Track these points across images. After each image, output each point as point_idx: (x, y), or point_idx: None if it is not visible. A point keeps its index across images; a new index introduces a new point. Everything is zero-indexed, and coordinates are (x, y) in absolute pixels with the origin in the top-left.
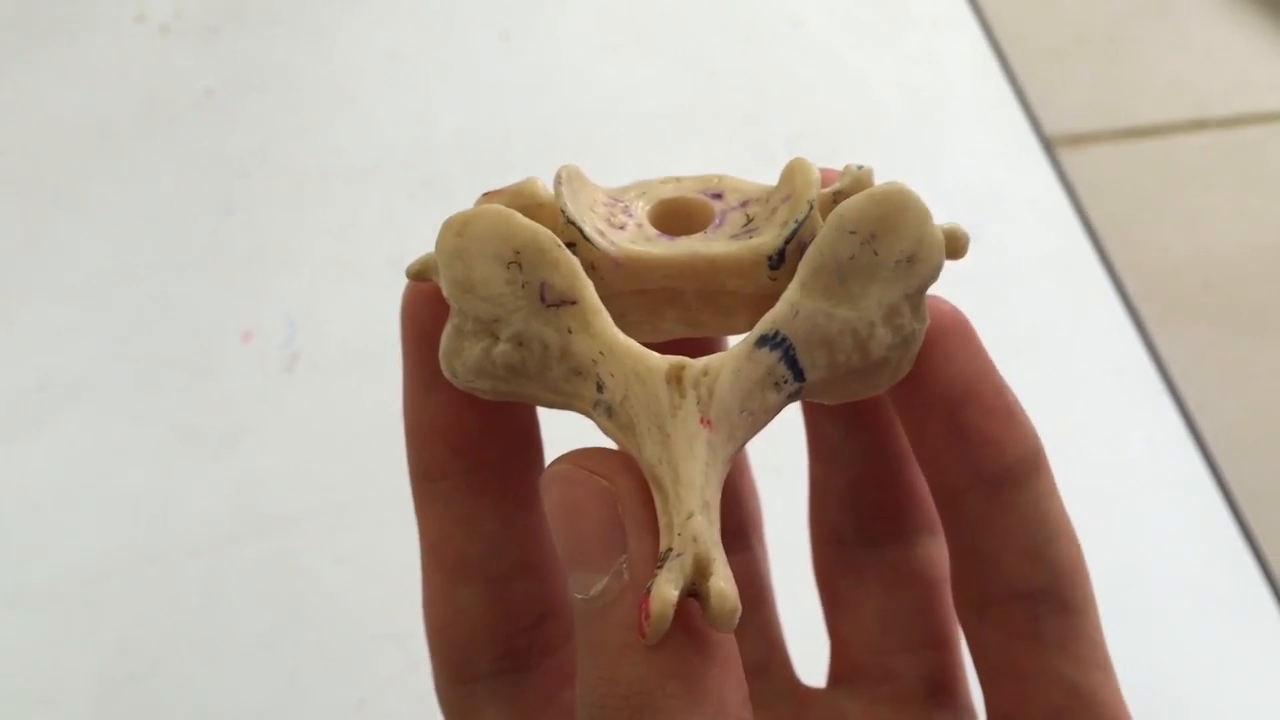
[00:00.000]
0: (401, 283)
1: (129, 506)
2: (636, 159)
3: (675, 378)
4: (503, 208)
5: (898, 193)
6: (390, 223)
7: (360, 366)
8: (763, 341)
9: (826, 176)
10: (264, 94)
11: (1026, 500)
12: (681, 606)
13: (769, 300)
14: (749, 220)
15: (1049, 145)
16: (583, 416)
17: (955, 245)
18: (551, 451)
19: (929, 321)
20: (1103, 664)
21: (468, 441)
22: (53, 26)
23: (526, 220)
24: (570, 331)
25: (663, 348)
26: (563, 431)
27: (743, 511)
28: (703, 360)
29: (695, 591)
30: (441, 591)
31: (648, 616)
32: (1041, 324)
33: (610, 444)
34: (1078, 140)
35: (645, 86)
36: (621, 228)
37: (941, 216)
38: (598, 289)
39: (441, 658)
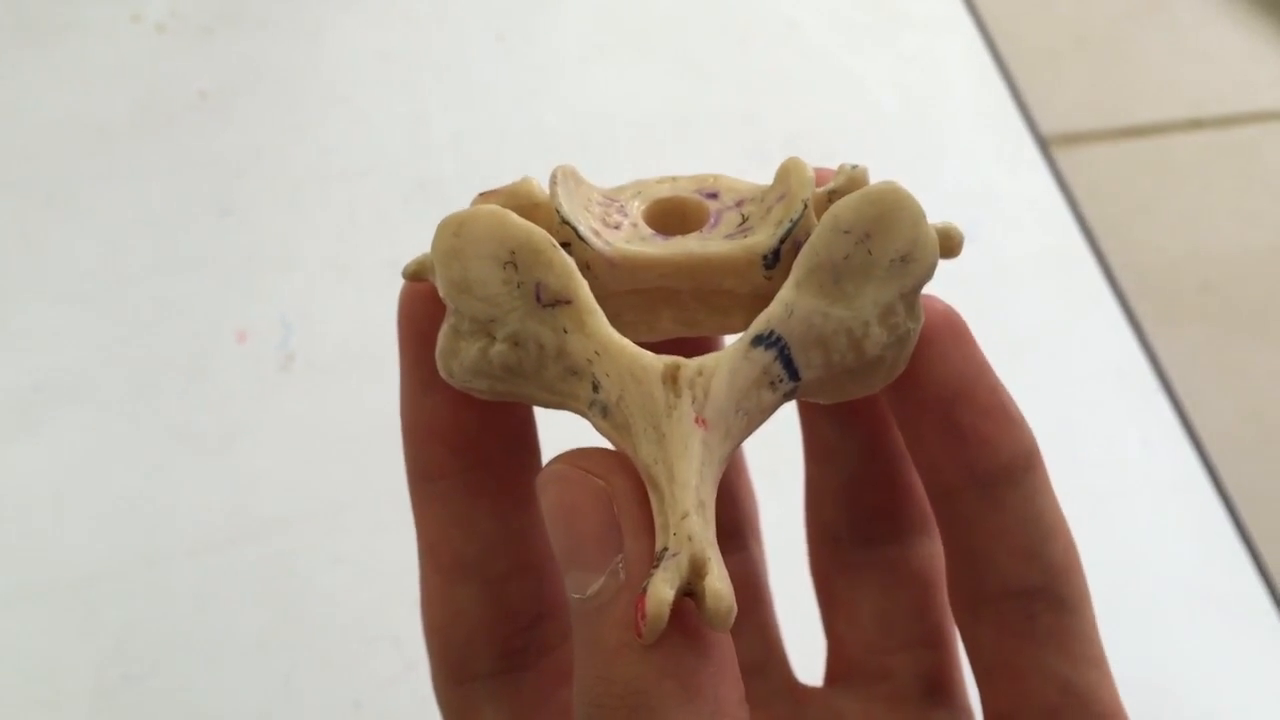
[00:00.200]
0: (397, 283)
1: (125, 507)
2: (632, 160)
3: (670, 377)
4: (498, 208)
5: (892, 192)
6: (385, 224)
7: (356, 367)
8: (758, 341)
9: (821, 176)
10: (259, 95)
11: (1021, 499)
12: (677, 606)
13: (764, 300)
14: (744, 220)
15: (1045, 145)
16: (579, 416)
17: (949, 244)
18: (548, 451)
19: (924, 320)
20: (1098, 662)
21: (465, 441)
22: (47, 26)
23: (522, 220)
24: (566, 331)
25: (659, 347)
26: (559, 431)
27: (739, 511)
28: (698, 360)
29: (691, 591)
30: (439, 591)
31: (644, 616)
32: (1037, 323)
33: (606, 444)
34: (1074, 140)
35: (641, 87)
36: (617, 227)
37: (938, 216)
38: (593, 289)
39: (439, 657)
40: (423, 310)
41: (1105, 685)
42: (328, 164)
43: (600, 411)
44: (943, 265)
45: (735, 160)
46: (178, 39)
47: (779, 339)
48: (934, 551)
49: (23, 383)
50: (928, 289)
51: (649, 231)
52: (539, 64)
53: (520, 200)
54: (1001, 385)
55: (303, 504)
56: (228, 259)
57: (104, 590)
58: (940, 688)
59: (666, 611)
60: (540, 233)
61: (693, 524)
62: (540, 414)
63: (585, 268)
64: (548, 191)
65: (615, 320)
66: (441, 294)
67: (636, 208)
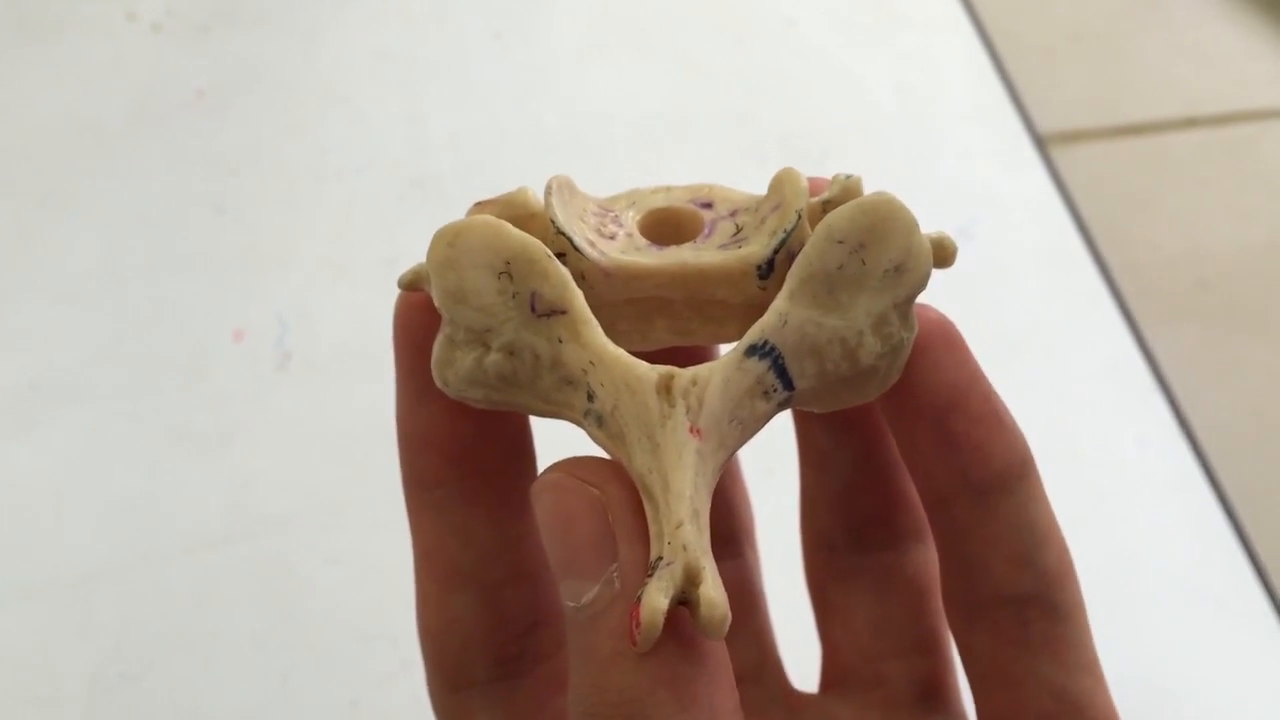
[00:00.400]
0: (394, 282)
1: (122, 506)
2: (629, 159)
3: (665, 387)
4: (493, 218)
5: (885, 203)
6: (381, 222)
7: (352, 366)
8: (752, 351)
9: (815, 185)
10: (256, 94)
11: (1014, 506)
12: (672, 615)
13: (758, 309)
14: (738, 230)
15: (1042, 143)
16: (574, 425)
17: (943, 254)
18: (544, 460)
19: (917, 330)
20: (1091, 669)
21: (460, 450)
22: (43, 25)
23: (517, 231)
24: (561, 341)
25: (653, 357)
26: (554, 440)
27: (734, 518)
28: (692, 370)
29: (685, 600)
30: (435, 599)
31: (638, 625)
32: (1034, 321)
33: (601, 453)
34: (1070, 138)
35: (638, 86)
36: (612, 238)
37: (935, 214)
38: (588, 299)
39: (435, 664)
40: (418, 320)
41: (1099, 692)
42: (325, 162)
43: (595, 421)
44: None
45: (732, 159)
46: (174, 38)
47: (773, 349)
48: (928, 558)
49: (19, 381)
50: (924, 295)
51: (644, 241)
52: (536, 63)
53: (516, 210)
54: (995, 393)
55: (300, 502)
56: (224, 258)
57: (101, 589)
58: (935, 694)
59: (661, 620)
60: (535, 243)
61: (687, 533)
62: (536, 423)
63: (580, 278)
64: (542, 201)
65: (610, 330)
66: (437, 304)
67: (631, 218)
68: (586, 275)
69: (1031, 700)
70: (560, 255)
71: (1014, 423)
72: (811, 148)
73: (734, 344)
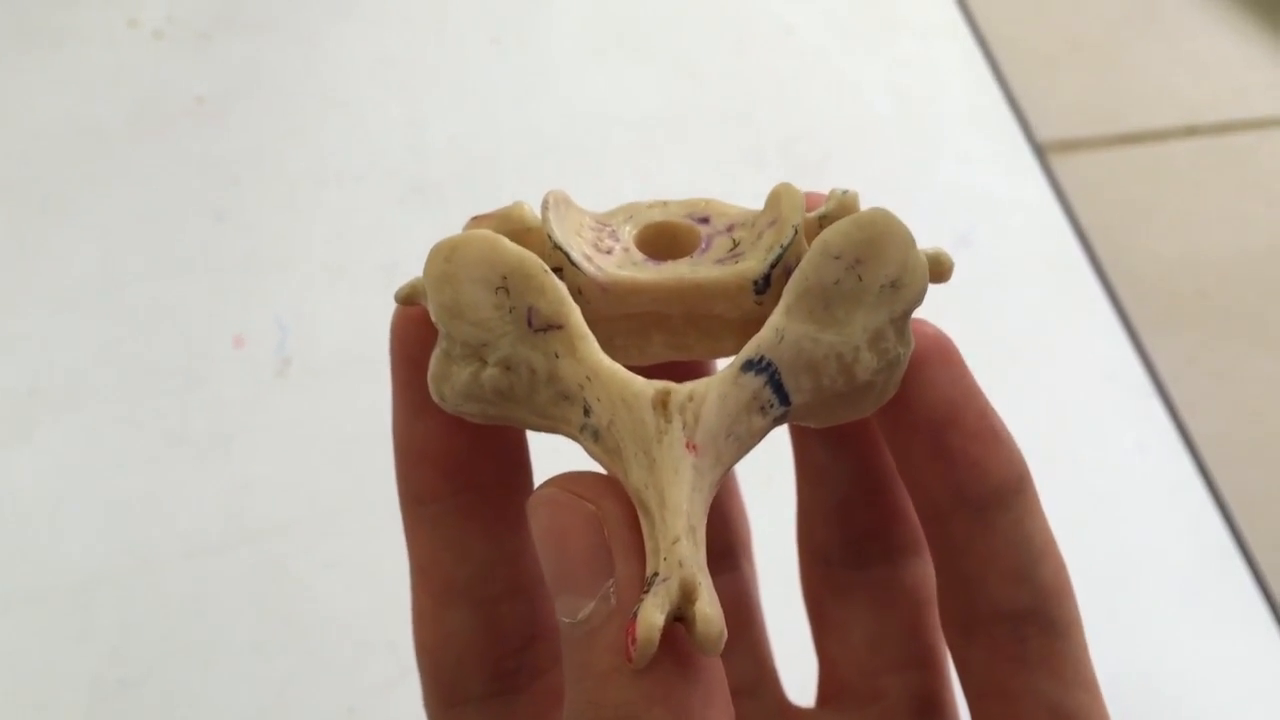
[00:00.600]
0: (393, 287)
1: (120, 512)
2: (628, 164)
3: (661, 403)
4: (490, 233)
5: (882, 218)
6: (381, 228)
7: (352, 372)
8: (748, 366)
9: (812, 200)
10: (255, 100)
11: (1011, 521)
12: (667, 631)
13: (755, 324)
14: (735, 245)
15: (1040, 151)
16: (570, 440)
17: (939, 270)
18: (540, 475)
19: (914, 345)
20: (1088, 684)
21: (456, 465)
22: (45, 31)
23: (514, 246)
24: (557, 356)
25: (650, 372)
26: (551, 455)
27: (731, 532)
28: (688, 385)
29: (681, 616)
30: (431, 614)
31: (634, 641)
32: (1033, 329)
33: (597, 468)
34: (1069, 146)
35: (636, 92)
36: (608, 252)
37: (934, 222)
38: (585, 314)
39: (431, 680)
40: (415, 334)
41: (1096, 708)
42: (324, 168)
43: (591, 436)
44: None
45: (731, 165)
46: (174, 44)
47: (769, 364)
48: (925, 573)
49: (19, 387)
50: (922, 304)
51: (640, 256)
52: (534, 68)
53: (512, 225)
54: (991, 409)
55: (299, 508)
56: (225, 264)
57: (100, 595)
58: (932, 709)
59: (657, 636)
60: (532, 258)
61: (683, 549)
62: (532, 437)
63: (577, 293)
64: (539, 216)
65: (606, 344)
66: (433, 318)
67: (628, 232)
68: (583, 290)
69: (1028, 716)
70: (557, 270)
71: (1010, 438)
72: (810, 154)
73: (730, 359)
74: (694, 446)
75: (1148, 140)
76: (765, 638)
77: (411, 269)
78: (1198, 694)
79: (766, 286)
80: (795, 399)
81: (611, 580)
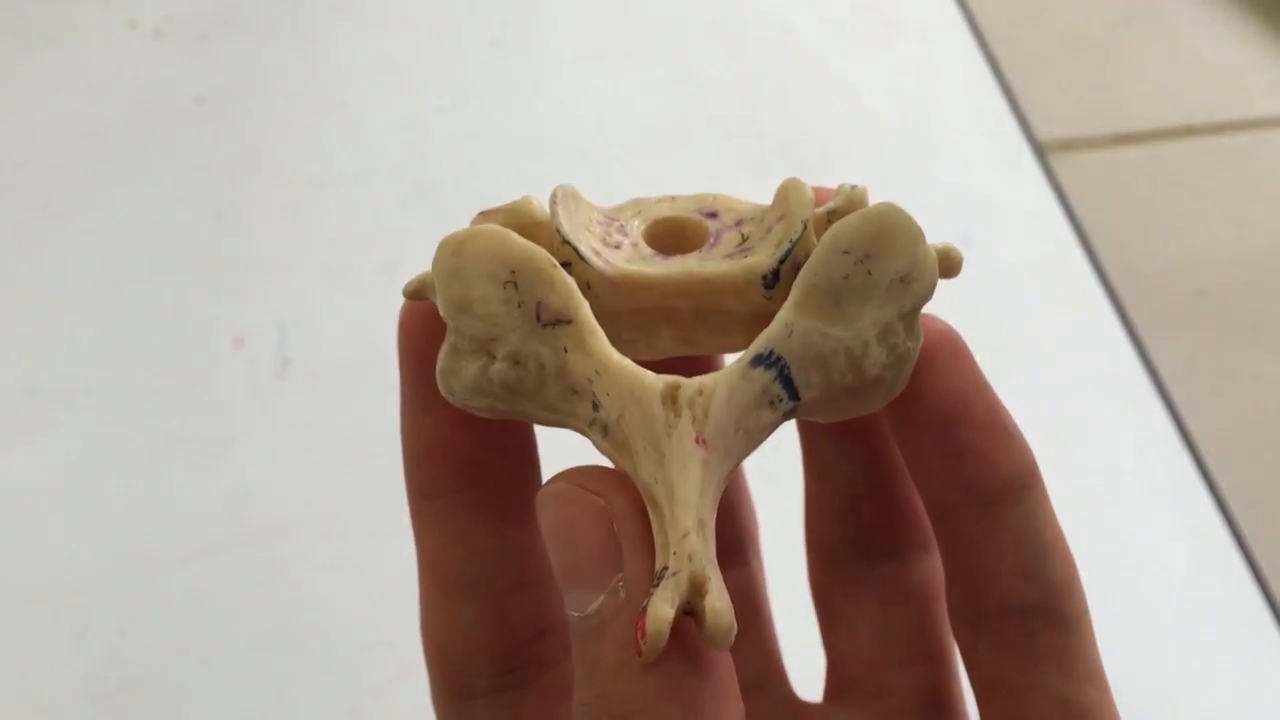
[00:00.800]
0: (393, 289)
1: (120, 513)
2: (628, 166)
3: (670, 397)
4: (499, 227)
5: (891, 213)
6: (381, 229)
7: (351, 373)
8: (757, 361)
9: (820, 195)
10: (255, 100)
11: (1020, 517)
12: (677, 625)
13: (764, 319)
14: (744, 239)
15: (1040, 151)
16: (579, 435)
17: (948, 265)
18: (548, 469)
19: (923, 340)
20: (1097, 680)
21: (465, 459)
22: (44, 32)
23: (522, 240)
24: (566, 350)
25: (658, 366)
26: (559, 450)
27: (739, 527)
28: (698, 379)
29: (691, 610)
30: (439, 608)
31: (643, 635)
32: (1033, 329)
33: (606, 462)
34: (1069, 146)
35: (636, 94)
36: (617, 247)
37: (934, 222)
38: (593, 308)
39: (438, 674)
40: (423, 328)
41: (1105, 703)
42: (324, 169)
43: (600, 430)
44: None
45: (731, 166)
46: (174, 45)
47: (778, 359)
48: (933, 568)
49: (17, 388)
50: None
51: (649, 251)
52: (534, 70)
53: (520, 219)
54: (1001, 404)
55: (299, 509)
56: (224, 264)
57: (100, 595)
58: (940, 704)
59: (667, 630)
60: (541, 252)
61: (693, 543)
62: (541, 432)
63: (586, 287)
64: (548, 210)
65: (615, 339)
66: (442, 313)
67: (636, 227)
68: (592, 284)
69: (1037, 711)
70: (566, 265)
71: (1020, 433)
72: (810, 155)
73: (739, 354)
74: (703, 441)
75: (1148, 140)
76: (773, 633)
77: (411, 270)
78: (1198, 694)
79: (775, 281)
80: (804, 394)
81: (620, 574)
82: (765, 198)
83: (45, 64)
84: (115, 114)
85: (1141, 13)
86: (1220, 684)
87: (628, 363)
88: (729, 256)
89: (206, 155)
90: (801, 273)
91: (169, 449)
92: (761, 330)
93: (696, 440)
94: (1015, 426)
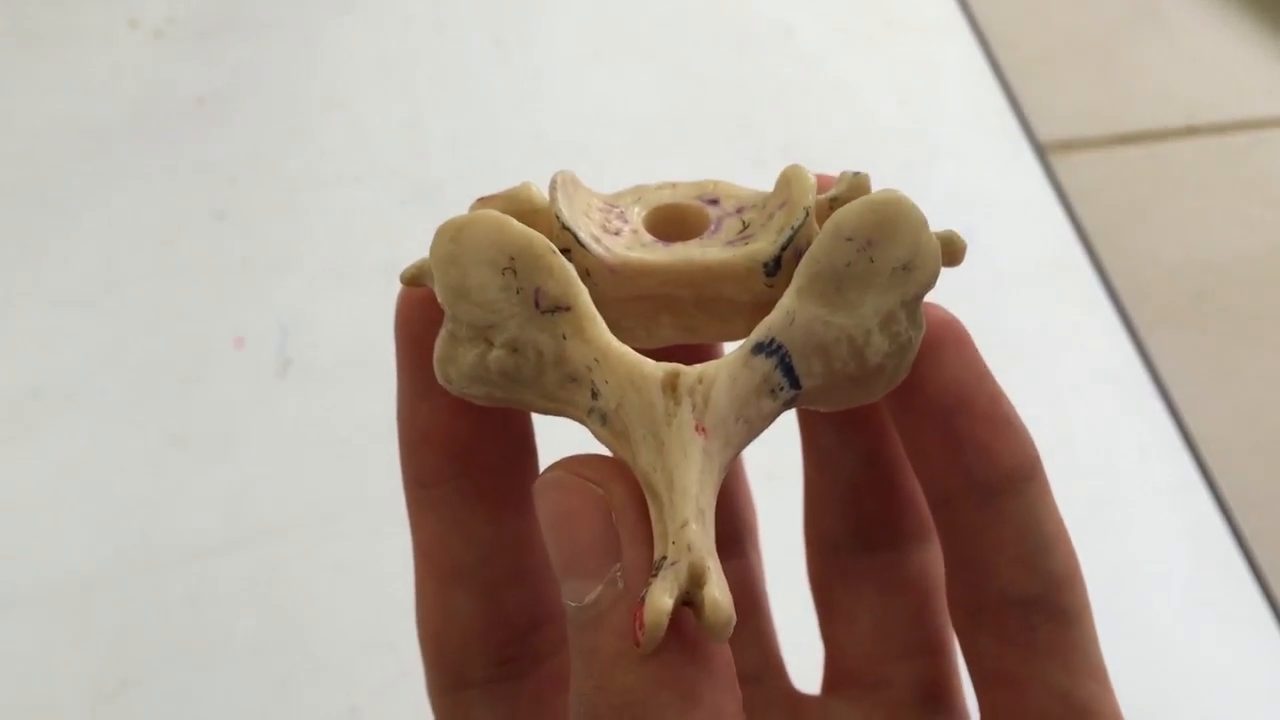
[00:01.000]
0: (394, 288)
1: (121, 513)
2: (628, 166)
3: (670, 385)
4: (497, 213)
5: (895, 200)
6: (382, 229)
7: (352, 373)
8: (759, 349)
9: (822, 182)
10: (256, 100)
11: (1022, 508)
12: (675, 616)
13: (765, 307)
14: (745, 226)
15: (1041, 151)
16: (577, 423)
17: (952, 252)
18: (546, 458)
19: (925, 329)
20: (1098, 673)
21: (461, 447)
22: (45, 32)
23: (521, 226)
24: (565, 338)
25: (658, 354)
26: (556, 438)
27: (737, 518)
28: (698, 368)
29: (690, 600)
30: (435, 598)
31: (642, 626)
32: (1034, 330)
33: (604, 451)
34: (1070, 146)
35: (637, 94)
36: (617, 234)
37: (934, 222)
38: (593, 295)
39: (434, 664)
40: (420, 315)
41: (1105, 697)
42: (325, 169)
43: (599, 419)
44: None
45: (731, 166)
46: (175, 44)
47: (780, 347)
48: (933, 559)
49: (19, 387)
50: (927, 296)
51: (649, 238)
52: (535, 69)
53: (519, 205)
54: (1003, 394)
55: (299, 509)
56: (225, 264)
57: (101, 595)
58: (939, 696)
59: (665, 621)
60: (540, 238)
61: (692, 533)
62: (538, 420)
63: (585, 274)
64: (546, 197)
65: (614, 327)
66: (440, 299)
67: (637, 214)
68: (591, 271)
69: (1037, 704)
70: (565, 251)
71: (1022, 424)
72: (810, 155)
73: (740, 342)
74: (703, 429)
75: (1148, 140)
76: (771, 625)
77: None
78: (1198, 694)
79: (777, 269)
80: (805, 382)
81: (619, 564)
82: (772, 188)
83: (46, 64)
84: (116, 114)
85: (1142, 13)
86: (1220, 682)
87: (627, 350)
88: (730, 244)
89: (207, 155)
90: (804, 260)
91: (170, 449)
92: (762, 318)
93: (696, 429)
94: (1017, 417)
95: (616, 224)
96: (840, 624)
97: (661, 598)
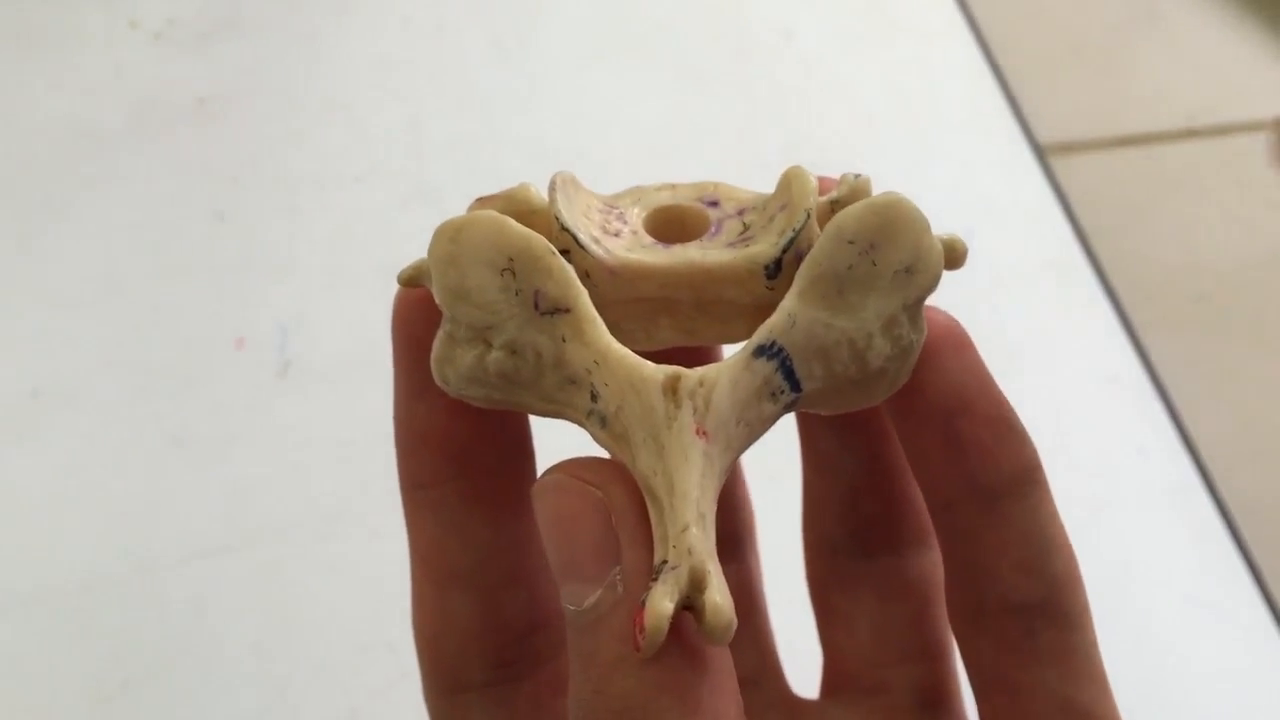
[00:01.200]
0: (394, 290)
1: (121, 514)
2: (628, 169)
3: (671, 388)
4: (497, 214)
5: (897, 203)
6: (381, 230)
7: (352, 374)
8: (760, 352)
9: (823, 184)
10: (256, 101)
11: (1023, 512)
12: (675, 620)
13: (766, 310)
14: (745, 228)
15: (1041, 153)
16: (575, 426)
17: (953, 256)
18: (543, 460)
19: (926, 332)
20: (1098, 679)
21: (459, 449)
22: (45, 33)
23: (520, 227)
24: (564, 340)
25: (657, 357)
26: (553, 441)
27: (736, 521)
28: (699, 370)
29: (690, 605)
30: (431, 600)
31: (642, 630)
32: (1034, 332)
33: (603, 454)
34: (1070, 148)
35: (636, 96)
36: (616, 235)
37: (934, 225)
38: (592, 297)
39: (430, 667)
40: (418, 316)
41: (1105, 703)
42: (325, 170)
43: (598, 421)
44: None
45: (731, 168)
46: (175, 46)
47: (780, 350)
48: (932, 563)
49: (20, 388)
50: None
51: (649, 240)
52: (535, 72)
53: (518, 206)
54: (1004, 398)
55: (299, 511)
56: (225, 265)
57: (101, 596)
58: (937, 701)
59: (666, 625)
60: (540, 240)
61: (693, 537)
62: (536, 422)
63: (585, 276)
64: (545, 198)
65: (613, 329)
66: (438, 300)
67: (636, 215)
68: (591, 273)
69: (1037, 709)
70: (564, 252)
71: (1023, 428)
72: (810, 158)
73: (740, 344)
74: (704, 433)
75: (1148, 142)
76: (769, 629)
77: None
78: (1198, 696)
79: (778, 271)
80: (806, 385)
81: (618, 568)
82: (773, 190)
83: (46, 65)
84: (116, 115)
85: (1142, 15)
86: (1219, 684)
87: (627, 353)
88: (730, 246)
89: (208, 156)
90: (805, 262)
91: (170, 450)
92: (762, 321)
93: (697, 432)
94: (1019, 421)
95: (616, 225)
96: (838, 628)
97: (662, 602)
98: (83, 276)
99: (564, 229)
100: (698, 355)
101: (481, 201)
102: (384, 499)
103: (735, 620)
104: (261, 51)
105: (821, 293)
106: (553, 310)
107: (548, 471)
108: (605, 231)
